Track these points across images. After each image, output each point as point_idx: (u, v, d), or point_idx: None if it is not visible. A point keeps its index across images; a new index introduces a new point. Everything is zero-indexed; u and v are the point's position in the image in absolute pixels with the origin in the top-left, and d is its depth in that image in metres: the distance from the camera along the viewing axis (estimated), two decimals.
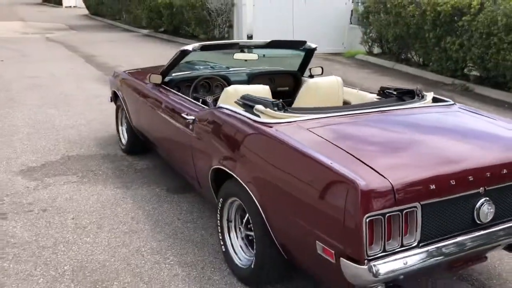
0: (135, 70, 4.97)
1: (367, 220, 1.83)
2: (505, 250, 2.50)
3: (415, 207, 1.96)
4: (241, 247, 2.76)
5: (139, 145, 4.65)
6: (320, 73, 4.39)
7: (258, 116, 2.59)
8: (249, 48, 3.86)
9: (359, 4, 12.93)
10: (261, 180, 2.31)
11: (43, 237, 3.14)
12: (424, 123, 2.65)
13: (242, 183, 2.42)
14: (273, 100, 2.65)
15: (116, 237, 3.16)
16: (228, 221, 2.80)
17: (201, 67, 4.51)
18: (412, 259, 1.94)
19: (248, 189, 2.37)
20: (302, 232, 2.09)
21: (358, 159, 2.02)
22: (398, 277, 1.93)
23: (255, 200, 2.33)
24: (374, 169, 1.95)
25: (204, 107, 3.15)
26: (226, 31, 15.03)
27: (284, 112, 2.58)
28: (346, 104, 3.77)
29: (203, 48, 3.64)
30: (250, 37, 13.71)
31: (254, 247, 2.47)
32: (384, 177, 1.90)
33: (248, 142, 2.48)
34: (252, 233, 2.57)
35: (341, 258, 1.88)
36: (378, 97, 3.42)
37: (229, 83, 4.11)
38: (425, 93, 3.10)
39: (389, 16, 10.60)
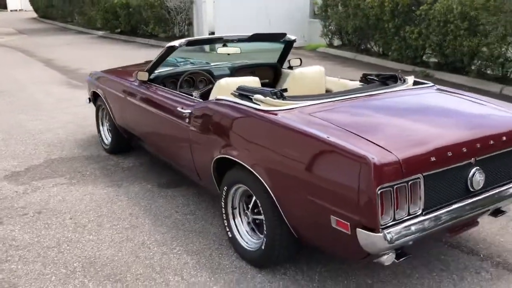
0: (113, 69, 4.96)
1: (379, 192, 1.99)
2: (491, 216, 2.73)
3: (419, 178, 2.14)
4: (247, 232, 2.88)
5: (123, 144, 4.67)
6: (299, 64, 4.55)
7: (258, 105, 2.71)
8: (233, 42, 3.95)
9: None
10: (271, 165, 2.43)
11: (45, 238, 3.15)
12: (413, 104, 2.85)
13: (251, 169, 2.53)
14: (271, 89, 2.77)
15: (119, 233, 3.20)
16: (233, 208, 2.90)
17: (181, 63, 4.57)
18: (418, 225, 2.12)
19: (257, 174, 2.49)
20: (315, 209, 2.23)
21: (365, 138, 2.18)
22: (407, 242, 2.10)
23: (266, 185, 2.45)
24: (381, 146, 2.11)
25: (199, 101, 3.23)
26: (186, 29, 15.01)
27: (283, 100, 2.71)
28: (328, 92, 3.95)
29: (189, 44, 3.71)
30: (212, 33, 13.75)
31: (264, 230, 2.59)
32: (392, 153, 2.07)
33: (255, 130, 2.59)
34: (259, 217, 2.69)
35: (357, 229, 2.03)
36: (361, 83, 3.60)
37: (213, 77, 4.21)
38: (406, 77, 3.31)
39: (347, 9, 10.92)
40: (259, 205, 2.60)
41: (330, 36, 12.66)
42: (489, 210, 2.50)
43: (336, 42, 12.67)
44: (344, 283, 2.62)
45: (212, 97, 3.30)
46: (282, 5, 13.69)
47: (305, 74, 3.73)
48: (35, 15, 28.44)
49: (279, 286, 2.60)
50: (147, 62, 5.31)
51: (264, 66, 4.55)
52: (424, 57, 9.45)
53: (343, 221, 2.08)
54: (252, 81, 3.37)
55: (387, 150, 2.09)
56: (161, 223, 3.33)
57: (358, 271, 2.72)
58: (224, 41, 3.92)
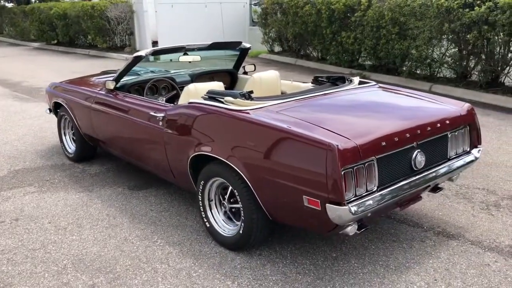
0: (74, 79, 5.11)
1: (343, 173, 2.39)
2: (430, 192, 3.23)
3: (373, 160, 2.56)
4: (223, 220, 3.20)
5: (88, 151, 4.83)
6: (253, 69, 4.93)
7: (229, 106, 3.04)
8: (193, 50, 4.26)
9: (258, 6, 13.71)
10: (247, 158, 2.77)
11: (29, 242, 3.29)
12: (362, 100, 3.29)
13: (229, 163, 2.86)
14: (240, 91, 3.12)
15: (100, 232, 3.41)
16: (209, 200, 3.21)
17: (142, 72, 4.82)
18: (375, 199, 2.54)
19: (235, 167, 2.82)
20: (289, 192, 2.60)
21: (327, 129, 2.57)
22: (367, 214, 2.52)
23: (243, 176, 2.78)
24: (341, 135, 2.51)
25: (169, 105, 3.51)
26: (128, 38, 15.03)
27: (251, 100, 3.06)
28: (284, 94, 4.35)
29: (155, 53, 3.98)
30: (155, 42, 13.90)
31: (242, 216, 2.92)
32: (350, 140, 2.48)
33: (230, 128, 2.92)
34: (236, 205, 3.02)
35: (326, 204, 2.41)
36: (312, 84, 4.03)
37: (176, 84, 4.49)
38: (352, 77, 3.77)
39: (286, 17, 11.49)
40: (236, 194, 2.93)
41: (270, 43, 13.19)
42: (429, 186, 2.98)
43: (277, 48, 13.22)
44: (313, 257, 3.01)
45: (181, 100, 3.60)
46: (223, 14, 14.08)
47: (263, 78, 4.11)
48: None
49: (257, 265, 2.93)
50: (104, 72, 5.50)
51: (222, 72, 4.88)
52: (359, 60, 10.16)
53: (314, 199, 2.46)
54: (217, 86, 3.69)
55: (346, 138, 2.49)
56: (138, 220, 3.57)
57: (323, 247, 3.11)
58: (186, 50, 4.22)
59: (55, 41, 17.49)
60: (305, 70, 10.92)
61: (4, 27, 22.53)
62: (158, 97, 4.34)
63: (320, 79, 3.96)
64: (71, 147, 4.96)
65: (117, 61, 12.90)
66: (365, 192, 2.55)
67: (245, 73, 4.99)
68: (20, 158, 5.07)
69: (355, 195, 2.50)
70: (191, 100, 3.28)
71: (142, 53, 3.92)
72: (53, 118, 5.16)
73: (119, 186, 4.26)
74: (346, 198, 2.43)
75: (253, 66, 4.93)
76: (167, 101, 4.34)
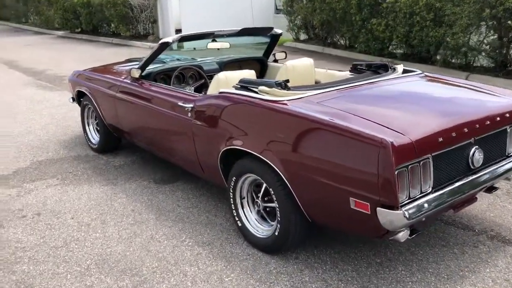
0: (98, 67, 4.91)
1: (396, 173, 2.12)
2: (485, 192, 2.93)
3: (428, 158, 2.28)
4: (256, 220, 2.96)
5: (112, 142, 4.64)
6: (284, 57, 4.66)
7: (264, 96, 2.79)
8: (222, 36, 4.01)
9: None
10: (285, 154, 2.52)
11: (51, 238, 3.12)
12: (408, 90, 3.00)
13: (264, 159, 2.61)
14: (275, 80, 2.86)
15: (125, 229, 3.22)
16: (241, 198, 2.98)
17: (168, 60, 4.59)
18: (430, 202, 2.27)
19: (271, 163, 2.57)
20: (332, 193, 2.34)
21: (377, 123, 2.30)
22: (421, 218, 2.24)
23: (280, 173, 2.54)
24: (394, 129, 2.23)
25: (198, 95, 3.28)
26: (151, 26, 14.86)
27: (287, 90, 2.80)
28: (317, 83, 4.08)
29: (182, 39, 3.74)
30: (178, 30, 13.69)
31: (278, 217, 2.68)
32: (405, 135, 2.20)
33: (265, 120, 2.67)
34: (271, 205, 2.78)
35: (377, 208, 2.15)
36: (351, 73, 3.74)
37: (203, 71, 4.25)
38: (395, 65, 3.47)
39: (313, 3, 11.11)
40: (272, 193, 2.68)
41: (296, 31, 12.84)
42: (486, 186, 2.68)
43: (302, 36, 12.86)
44: (355, 263, 2.75)
45: (211, 90, 3.36)
46: (247, 1, 13.76)
47: (296, 66, 3.84)
48: None
49: (294, 270, 2.69)
50: (128, 60, 5.30)
51: (251, 60, 4.63)
52: (390, 48, 9.76)
53: (363, 202, 2.20)
54: (249, 75, 3.44)
55: (400, 133, 2.21)
56: (165, 217, 3.37)
57: (366, 251, 2.85)
58: (214, 36, 3.97)
59: (79, 30, 17.44)
60: (333, 58, 10.56)
61: (30, 16, 22.62)
62: (185, 86, 4.11)
63: (359, 67, 3.66)
64: (94, 137, 4.78)
65: (140, 50, 12.75)
66: (419, 194, 2.28)
67: (275, 61, 4.73)
68: (43, 148, 4.92)
69: (409, 197, 2.23)
70: (221, 90, 3.03)
71: (169, 39, 3.69)
72: (77, 107, 4.99)
73: (144, 179, 4.07)
74: (400, 201, 2.16)
75: (284, 54, 4.66)
76: (195, 90, 4.11)
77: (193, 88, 4.08)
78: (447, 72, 8.09)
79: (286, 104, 2.63)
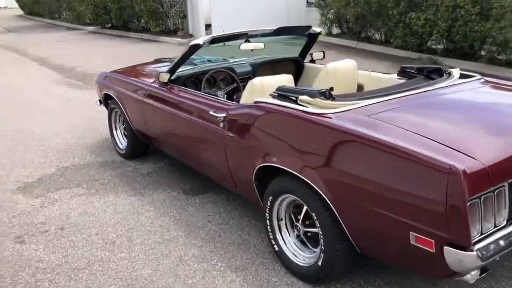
0: (125, 69, 4.69)
1: (468, 205, 1.79)
2: None
3: (504, 186, 1.93)
4: (295, 244, 2.67)
5: (140, 148, 4.42)
6: (322, 57, 4.33)
7: (306, 107, 2.48)
8: (256, 36, 3.71)
9: None
10: (332, 175, 2.21)
11: (73, 258, 2.91)
12: (472, 100, 2.64)
13: (306, 180, 2.31)
14: (318, 88, 2.54)
15: (152, 249, 2.97)
16: (278, 219, 2.69)
17: (198, 60, 4.32)
18: (506, 238, 1.93)
19: (315, 185, 2.27)
20: (388, 224, 2.02)
21: (444, 144, 1.96)
22: (496, 258, 1.90)
23: (325, 197, 2.23)
24: (464, 153, 1.90)
25: (231, 103, 2.99)
26: (180, 22, 14.67)
27: (333, 101, 2.49)
28: (360, 87, 3.74)
29: (214, 41, 3.46)
30: (208, 25, 13.45)
31: (321, 244, 2.38)
32: (477, 160, 1.86)
33: (308, 136, 2.36)
34: (313, 230, 2.48)
35: (444, 247, 1.82)
36: (398, 77, 3.39)
37: (235, 74, 3.97)
38: (450, 69, 3.10)
39: None
40: (314, 217, 2.38)
41: (328, 25, 12.41)
42: None
43: (335, 30, 12.43)
44: None
45: (245, 98, 3.07)
46: None
47: (338, 69, 3.50)
48: (21, 12, 27.82)
49: None
50: (157, 60, 5.07)
51: (286, 61, 4.32)
52: (428, 44, 9.25)
53: (426, 238, 1.88)
54: (287, 80, 3.14)
55: (471, 157, 1.88)
56: (195, 235, 3.11)
57: (419, 283, 2.52)
58: (248, 36, 3.68)
59: (109, 25, 17.43)
60: (367, 54, 10.12)
61: (62, 12, 22.82)
62: (216, 90, 3.83)
63: (408, 70, 3.30)
64: (122, 142, 4.57)
65: (169, 45, 12.57)
66: (493, 228, 1.93)
67: (312, 61, 4.40)
68: (69, 152, 4.75)
69: (481, 233, 1.89)
70: (257, 99, 2.74)
71: (199, 41, 3.41)
72: (104, 108, 4.78)
73: (173, 189, 3.82)
74: (471, 239, 1.83)
75: (322, 54, 4.33)
76: (226, 94, 3.84)
77: (224, 92, 3.81)
78: (493, 69, 7.58)
79: (331, 118, 2.31)
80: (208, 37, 3.45)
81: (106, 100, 4.62)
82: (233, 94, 3.99)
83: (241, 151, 2.80)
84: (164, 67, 4.18)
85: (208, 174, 3.41)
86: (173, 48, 11.87)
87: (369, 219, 2.10)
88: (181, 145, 3.58)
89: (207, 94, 3.30)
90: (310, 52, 4.37)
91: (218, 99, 3.14)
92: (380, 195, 2.02)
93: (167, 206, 3.54)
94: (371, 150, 2.06)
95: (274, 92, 2.72)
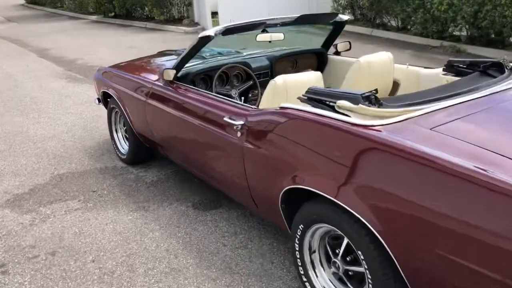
0: (126, 64, 4.20)
1: None
2: None
3: None
4: (331, 281, 2.19)
5: (143, 152, 3.94)
6: (348, 48, 3.83)
7: (347, 116, 1.98)
8: (275, 26, 3.20)
9: None
10: (385, 204, 1.73)
11: None
12: None
13: (346, 206, 1.82)
14: (362, 92, 2.04)
15: (158, 282, 2.51)
16: (311, 251, 2.21)
17: (207, 53, 3.81)
18: None
19: (358, 214, 1.78)
20: (463, 274, 1.54)
21: None
22: None
23: (373, 228, 1.75)
24: None
25: (251, 107, 2.50)
26: (185, 9, 14.11)
27: (379, 107, 1.99)
28: (396, 84, 3.24)
29: (227, 32, 2.96)
30: (215, 13, 12.88)
31: (369, 286, 1.90)
32: None
33: (351, 153, 1.87)
34: (357, 269, 2.00)
35: None
36: (444, 73, 2.88)
37: (250, 69, 3.47)
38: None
39: None
40: (360, 255, 1.90)
41: (341, 11, 11.81)
42: None
43: (348, 17, 11.83)
44: None
45: (266, 101, 2.58)
46: None
47: (372, 64, 2.99)
48: (22, 1, 27.28)
49: None
50: (160, 53, 4.57)
51: (308, 53, 3.81)
52: (450, 30, 8.66)
53: None
54: (315, 79, 2.64)
55: None
56: (208, 263, 2.64)
57: None
58: (266, 26, 3.17)
59: (113, 14, 16.89)
60: (384, 42, 9.55)
61: (64, 1, 22.30)
62: (230, 89, 3.34)
63: (456, 64, 2.79)
64: (124, 146, 4.10)
65: (175, 35, 12.03)
66: None
67: (336, 53, 3.89)
68: (66, 157, 4.28)
69: None
70: (283, 105, 2.24)
71: (210, 32, 2.91)
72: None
73: (181, 202, 3.35)
74: None
75: (348, 44, 3.82)
76: (241, 94, 3.35)
77: (239, 91, 3.32)
78: None
79: (382, 131, 1.82)
80: (221, 27, 2.95)
81: (105, 98, 4.14)
82: (248, 92, 3.50)
83: (264, 167, 2.31)
84: (169, 61, 3.70)
85: (223, 190, 2.94)
86: (178, 37, 11.35)
87: (436, 265, 1.62)
88: (189, 154, 3.10)
89: (220, 96, 2.80)
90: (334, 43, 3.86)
91: (235, 102, 2.64)
92: (451, 235, 1.53)
93: (175, 224, 3.07)
94: (442, 176, 1.57)
95: (303, 95, 2.23)
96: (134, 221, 3.13)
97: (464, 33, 8.42)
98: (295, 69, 3.82)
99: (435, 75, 2.96)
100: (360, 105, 1.97)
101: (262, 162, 2.31)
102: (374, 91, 2.04)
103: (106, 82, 3.99)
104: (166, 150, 3.45)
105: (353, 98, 2.01)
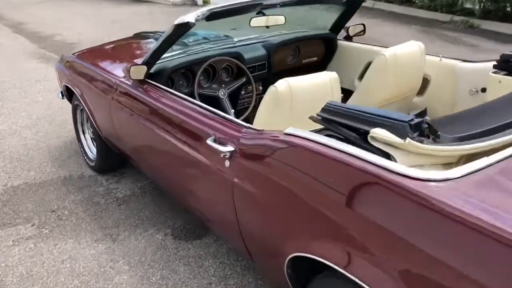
0: (92, 51, 3.47)
1: None
2: None
3: None
4: None
5: (114, 159, 3.27)
6: (362, 31, 3.14)
7: (387, 156, 1.33)
8: (274, 7, 2.50)
9: None
10: None
11: None
12: None
13: None
14: (409, 117, 1.37)
15: None
16: None
17: (190, 40, 3.09)
18: None
19: None
20: None
21: None
22: None
23: None
24: None
25: (245, 125, 1.82)
26: None
27: (437, 142, 1.33)
28: (426, 81, 2.58)
29: (212, 17, 2.25)
30: None
31: None
32: None
33: (394, 221, 1.22)
34: None
35: None
36: (494, 70, 2.21)
37: (243, 62, 2.78)
38: None
39: None
40: None
41: None
42: None
43: None
44: None
45: (264, 114, 1.91)
46: None
47: (400, 57, 2.31)
48: None
49: None
50: (137, 35, 3.85)
51: (314, 38, 3.11)
52: (460, 2, 7.92)
53: None
54: (330, 82, 1.96)
55: None
56: None
57: None
58: (262, 8, 2.46)
59: None
60: (387, 15, 8.80)
61: None
62: (218, 88, 2.67)
63: None
64: (92, 150, 3.42)
65: (162, 7, 11.15)
66: None
67: (348, 37, 3.20)
68: (25, 162, 3.60)
69: None
70: (290, 131, 1.57)
71: (190, 18, 2.19)
72: None
73: (158, 229, 2.71)
74: None
75: (361, 26, 3.13)
76: (230, 95, 2.67)
77: (228, 91, 2.64)
78: None
79: (446, 193, 1.16)
80: (204, 10, 2.23)
81: (69, 92, 3.43)
82: (241, 89, 2.83)
83: (261, 216, 1.67)
84: (148, 45, 3.01)
85: (208, 225, 2.30)
86: (166, 10, 10.50)
87: None
88: (164, 174, 2.44)
89: (203, 106, 2.09)
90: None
91: (222, 117, 1.95)
92: None
93: (149, 262, 2.43)
94: None
95: (318, 114, 1.56)
96: (98, 257, 2.48)
97: (477, 6, 7.68)
98: (297, 58, 3.14)
99: (480, 71, 2.31)
100: (408, 140, 1.30)
101: (258, 210, 1.66)
102: (426, 118, 1.37)
103: (68, 75, 3.28)
104: (137, 163, 2.79)
105: (398, 127, 1.34)
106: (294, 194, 1.51)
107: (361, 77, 3.02)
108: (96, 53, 3.36)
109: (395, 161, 1.33)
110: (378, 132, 1.36)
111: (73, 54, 3.42)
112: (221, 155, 1.77)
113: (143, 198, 3.03)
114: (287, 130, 1.56)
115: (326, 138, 1.44)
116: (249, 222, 1.75)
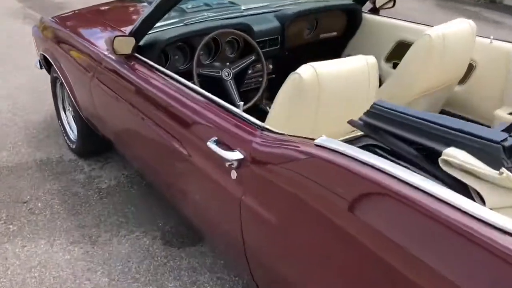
0: (73, 15, 2.98)
1: None
2: None
3: None
4: None
5: (97, 142, 2.83)
6: (391, 4, 2.68)
7: (463, 187, 0.91)
8: None
9: None
10: None
11: None
12: None
13: None
14: (500, 135, 0.95)
15: None
16: None
17: (189, 5, 2.60)
18: None
19: None
20: None
21: None
22: None
23: None
24: None
25: (259, 126, 1.39)
26: None
27: None
28: (471, 67, 2.16)
29: None
30: None
31: None
32: None
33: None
34: None
35: None
36: None
37: (252, 35, 2.32)
38: None
39: None
40: None
41: None
42: None
43: None
44: None
45: (282, 108, 1.47)
46: None
47: (448, 37, 1.87)
48: None
49: None
50: None
51: (335, 9, 2.64)
52: None
53: None
54: (367, 66, 1.52)
55: None
56: None
57: None
58: None
59: None
60: None
61: None
62: (221, 67, 2.22)
63: None
64: (74, 130, 2.98)
65: None
66: None
67: (374, 9, 2.74)
68: None
69: None
70: (322, 142, 1.14)
71: None
72: None
73: (145, 230, 2.31)
74: None
75: None
76: (237, 75, 2.23)
77: (233, 72, 2.20)
78: None
79: None
80: None
81: (47, 64, 2.97)
82: (248, 68, 2.38)
83: (277, 246, 1.26)
84: (142, 11, 2.54)
85: (205, 234, 1.90)
86: None
87: None
88: (153, 170, 2.03)
89: (203, 93, 1.65)
90: None
91: (229, 111, 1.51)
92: None
93: (133, 274, 2.04)
94: None
95: (361, 119, 1.14)
96: (73, 265, 2.09)
97: None
98: (314, 32, 2.68)
99: None
100: (505, 172, 0.88)
101: (274, 241, 1.25)
102: None
103: (45, 42, 2.81)
104: (122, 152, 2.36)
105: (485, 149, 0.92)
106: (326, 225, 1.10)
107: (388, 58, 2.59)
108: (79, 18, 2.88)
109: (480, 201, 0.92)
110: (456, 156, 0.94)
111: (53, 18, 2.93)
112: (226, 164, 1.34)
113: (129, 189, 2.62)
114: (320, 141, 1.14)
115: (378, 158, 1.02)
116: (259, 250, 1.35)
